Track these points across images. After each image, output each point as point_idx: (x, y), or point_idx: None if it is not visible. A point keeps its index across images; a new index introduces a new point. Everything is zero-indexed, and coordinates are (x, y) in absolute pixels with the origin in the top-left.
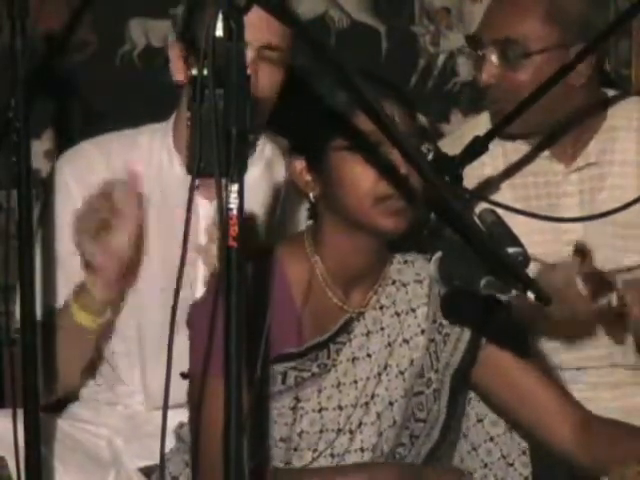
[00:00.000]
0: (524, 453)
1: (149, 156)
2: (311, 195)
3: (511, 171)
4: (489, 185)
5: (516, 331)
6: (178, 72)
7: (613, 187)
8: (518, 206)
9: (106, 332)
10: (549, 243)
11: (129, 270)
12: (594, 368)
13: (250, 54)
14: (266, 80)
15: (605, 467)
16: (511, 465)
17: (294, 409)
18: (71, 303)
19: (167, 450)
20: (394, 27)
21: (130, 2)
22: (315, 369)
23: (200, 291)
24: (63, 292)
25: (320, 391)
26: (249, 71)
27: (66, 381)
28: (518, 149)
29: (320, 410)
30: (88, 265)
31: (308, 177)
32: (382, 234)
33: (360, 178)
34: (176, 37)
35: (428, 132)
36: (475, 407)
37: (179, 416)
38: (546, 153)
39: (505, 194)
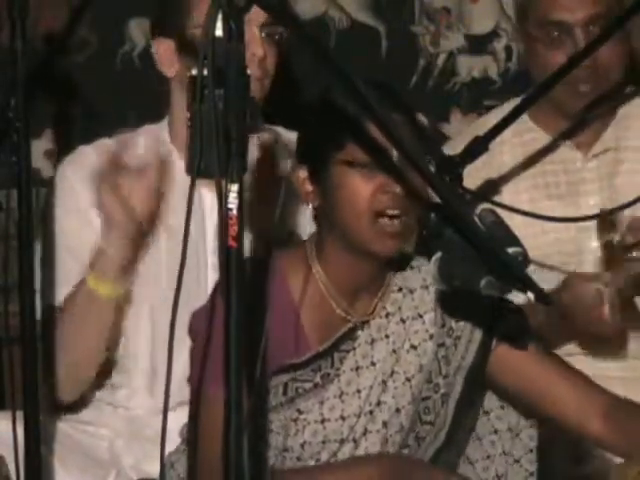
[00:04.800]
0: (531, 451)
1: (147, 155)
2: (311, 206)
3: (530, 160)
4: (508, 174)
5: (517, 323)
6: (170, 67)
7: (629, 172)
8: (538, 194)
9: (122, 309)
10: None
11: (144, 234)
12: (607, 360)
13: (255, 31)
14: (272, 59)
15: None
16: (517, 462)
17: (296, 421)
18: (87, 277)
19: (168, 451)
20: (394, 27)
21: (130, 2)
22: (318, 380)
23: (211, 280)
24: (62, 292)
25: (322, 402)
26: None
27: (82, 373)
28: (536, 139)
29: (322, 421)
30: (107, 222)
31: (310, 187)
32: (376, 257)
33: (358, 193)
34: (156, 33)
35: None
36: (484, 400)
37: (182, 416)
38: (564, 141)
39: (525, 182)
